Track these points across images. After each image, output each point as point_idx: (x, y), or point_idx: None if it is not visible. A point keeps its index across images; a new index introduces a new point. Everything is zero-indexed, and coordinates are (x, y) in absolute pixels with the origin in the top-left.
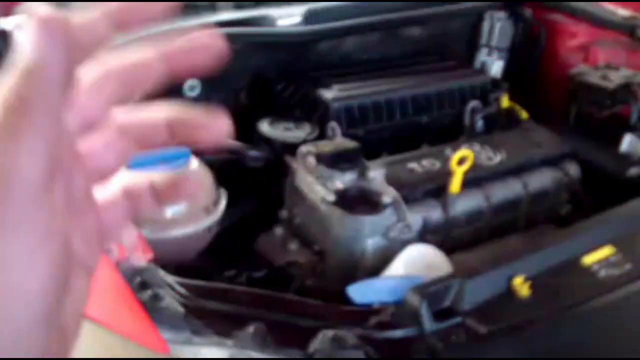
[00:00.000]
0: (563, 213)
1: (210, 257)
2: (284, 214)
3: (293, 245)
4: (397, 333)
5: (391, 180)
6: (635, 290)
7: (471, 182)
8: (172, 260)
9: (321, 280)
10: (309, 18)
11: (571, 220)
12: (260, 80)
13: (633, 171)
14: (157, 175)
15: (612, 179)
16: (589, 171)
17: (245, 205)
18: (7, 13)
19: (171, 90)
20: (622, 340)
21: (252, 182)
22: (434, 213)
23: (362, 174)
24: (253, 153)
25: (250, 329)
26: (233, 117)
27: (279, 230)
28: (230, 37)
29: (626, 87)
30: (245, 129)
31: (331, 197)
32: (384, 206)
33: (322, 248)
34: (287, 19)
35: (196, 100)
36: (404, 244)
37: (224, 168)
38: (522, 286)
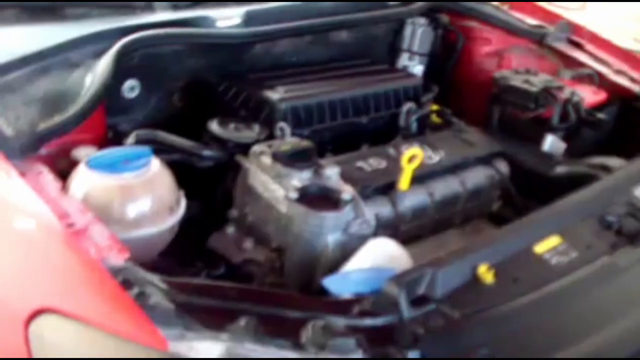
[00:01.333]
0: (495, 209)
1: (166, 256)
2: (234, 212)
3: (248, 244)
4: (380, 320)
5: (344, 178)
6: (583, 276)
7: (415, 179)
8: (137, 260)
9: (281, 277)
10: (248, 20)
11: (502, 216)
12: (198, 82)
13: (560, 170)
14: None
15: (539, 177)
16: (517, 169)
17: (192, 205)
18: None
19: (111, 91)
20: (574, 320)
21: (199, 182)
22: (385, 209)
23: (318, 172)
24: (207, 153)
25: (242, 322)
26: (170, 118)
27: (230, 229)
28: (169, 38)
29: (547, 91)
30: (183, 129)
31: (294, 195)
32: (345, 203)
33: (281, 245)
34: (227, 20)
35: (134, 101)
36: (361, 239)
37: (174, 168)
38: (486, 274)
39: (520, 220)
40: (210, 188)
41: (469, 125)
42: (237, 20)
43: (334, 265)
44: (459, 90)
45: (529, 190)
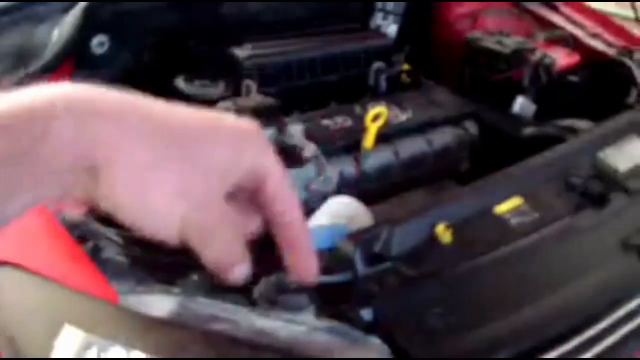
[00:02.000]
0: (462, 170)
1: None
2: None
3: None
4: (333, 278)
5: (308, 136)
6: (545, 236)
7: (381, 138)
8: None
9: None
10: None
11: (470, 177)
12: (169, 39)
13: (527, 131)
14: None
15: (508, 138)
16: (486, 130)
17: None
18: None
19: (79, 46)
20: (531, 281)
21: None
22: (348, 168)
23: (281, 129)
24: None
25: (194, 276)
26: (141, 75)
27: None
28: None
29: (519, 53)
30: (154, 87)
31: None
32: (306, 160)
33: None
34: None
35: (103, 57)
36: (323, 196)
37: None
38: (444, 233)
39: (482, 180)
40: None
41: (438, 85)
42: None
43: None
44: (433, 51)
45: (498, 152)
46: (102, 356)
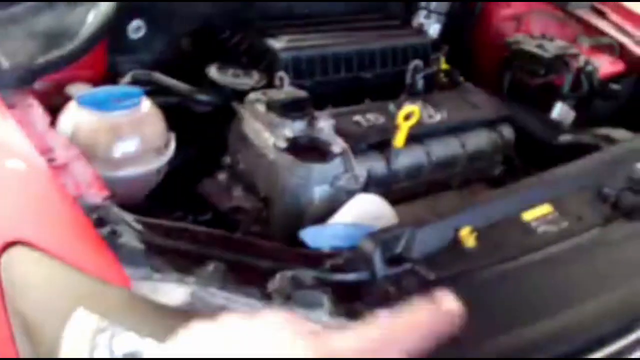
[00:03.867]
0: (495, 174)
1: (154, 199)
2: (227, 159)
3: (237, 191)
4: (351, 276)
5: (338, 132)
6: (572, 246)
7: (413, 138)
8: (121, 200)
9: (266, 227)
10: None
11: (503, 181)
12: (205, 27)
13: (564, 138)
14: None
15: (543, 144)
16: (522, 135)
17: (189, 149)
18: None
19: (115, 30)
20: (554, 291)
21: (197, 127)
22: (378, 165)
23: (311, 123)
24: (202, 97)
25: (210, 267)
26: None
27: (222, 176)
28: None
29: (560, 58)
30: (188, 75)
31: (282, 144)
32: (333, 155)
33: (268, 195)
34: None
35: (139, 41)
36: (349, 194)
37: (171, 111)
38: (468, 237)
39: (512, 185)
40: (206, 133)
41: (476, 87)
42: None
43: (320, 219)
44: (475, 53)
45: (533, 158)
46: (114, 341)
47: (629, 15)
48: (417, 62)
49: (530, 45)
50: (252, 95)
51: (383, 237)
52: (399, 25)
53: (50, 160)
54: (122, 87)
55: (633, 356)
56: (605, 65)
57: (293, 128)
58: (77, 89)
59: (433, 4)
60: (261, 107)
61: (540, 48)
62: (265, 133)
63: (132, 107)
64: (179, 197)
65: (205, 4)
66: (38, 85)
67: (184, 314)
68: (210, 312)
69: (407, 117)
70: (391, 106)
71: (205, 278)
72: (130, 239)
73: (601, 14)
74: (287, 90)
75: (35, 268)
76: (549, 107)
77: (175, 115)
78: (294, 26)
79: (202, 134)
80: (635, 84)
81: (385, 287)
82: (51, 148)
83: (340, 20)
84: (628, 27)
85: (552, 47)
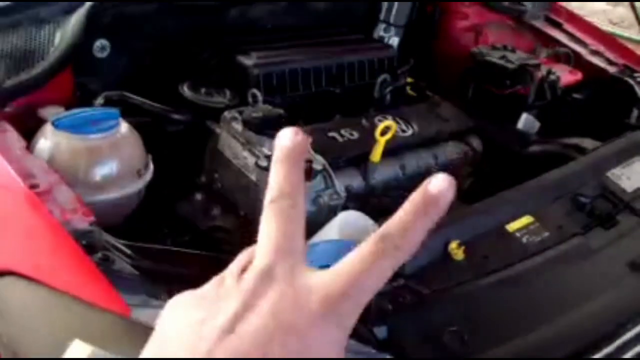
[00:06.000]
0: (465, 186)
1: (130, 221)
2: (202, 179)
3: (216, 211)
4: None
5: (315, 148)
6: (556, 256)
7: (388, 152)
8: (102, 224)
9: (250, 245)
10: None
11: (473, 193)
12: (171, 44)
13: (533, 149)
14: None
15: (513, 155)
16: (489, 146)
17: (161, 170)
18: None
19: (81, 50)
20: (543, 299)
21: (169, 147)
22: (355, 181)
23: None
24: (176, 116)
25: None
26: (142, 80)
27: (199, 196)
28: None
29: (524, 68)
30: (154, 93)
31: (264, 163)
32: (315, 173)
33: (249, 213)
34: None
35: (105, 61)
36: (331, 210)
37: (144, 131)
38: (457, 250)
39: (493, 198)
40: (180, 153)
41: (443, 100)
42: None
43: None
44: (435, 64)
45: (502, 168)
46: None
47: (582, 24)
48: (384, 76)
49: (494, 56)
50: (227, 114)
51: None
52: (363, 39)
53: (33, 187)
54: (98, 109)
55: None
56: (565, 75)
57: (271, 145)
58: (51, 112)
59: (392, 17)
60: (238, 126)
61: (503, 59)
62: (244, 152)
63: (111, 129)
64: (155, 218)
65: (169, 21)
66: (8, 108)
67: None
68: None
69: (384, 131)
70: (363, 121)
71: None
72: (123, 265)
73: (557, 25)
74: (262, 107)
75: (24, 297)
76: (513, 117)
77: (147, 135)
78: (261, 42)
79: (175, 153)
80: (592, 93)
81: (380, 304)
82: (32, 174)
83: (306, 35)
84: (581, 36)
85: (515, 58)
